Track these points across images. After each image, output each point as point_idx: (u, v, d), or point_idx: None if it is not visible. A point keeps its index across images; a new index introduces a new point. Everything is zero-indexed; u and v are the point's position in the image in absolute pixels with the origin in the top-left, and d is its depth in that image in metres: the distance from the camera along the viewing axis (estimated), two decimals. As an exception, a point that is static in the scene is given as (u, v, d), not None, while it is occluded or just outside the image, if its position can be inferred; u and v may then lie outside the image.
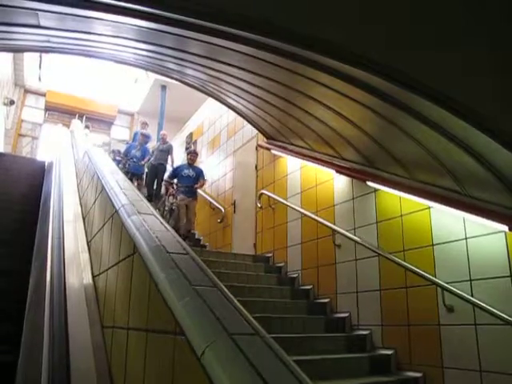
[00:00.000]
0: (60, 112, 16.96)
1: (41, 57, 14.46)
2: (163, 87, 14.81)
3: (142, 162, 9.89)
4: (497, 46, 2.09)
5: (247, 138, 8.03)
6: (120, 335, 2.07)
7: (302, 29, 2.64)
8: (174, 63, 5.34)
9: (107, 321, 2.42)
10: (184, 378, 1.25)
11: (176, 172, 8.30)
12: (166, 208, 8.78)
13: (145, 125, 11.19)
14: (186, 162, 8.50)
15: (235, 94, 6.12)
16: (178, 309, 1.34)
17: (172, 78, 6.53)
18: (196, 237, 8.77)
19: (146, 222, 2.25)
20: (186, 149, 10.96)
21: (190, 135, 11.10)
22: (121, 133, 17.74)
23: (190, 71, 5.63)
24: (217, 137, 9.41)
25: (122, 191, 2.90)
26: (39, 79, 15.83)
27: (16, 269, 4.23)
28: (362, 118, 4.15)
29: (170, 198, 8.66)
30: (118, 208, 2.61)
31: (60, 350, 2.18)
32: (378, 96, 3.30)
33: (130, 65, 6.30)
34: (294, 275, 5.75)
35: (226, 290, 1.55)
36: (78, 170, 6.16)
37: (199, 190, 8.28)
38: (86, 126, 12.08)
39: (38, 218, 6.13)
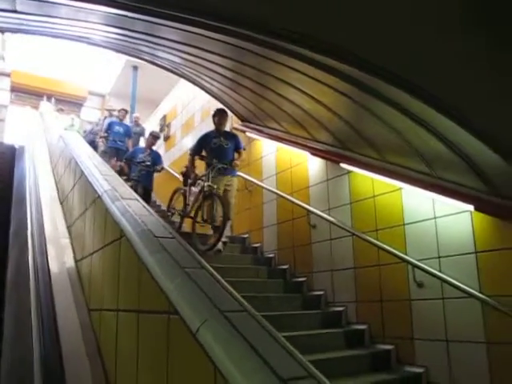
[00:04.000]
0: (27, 93, 16.47)
1: (3, 35, 13.96)
2: (135, 68, 14.56)
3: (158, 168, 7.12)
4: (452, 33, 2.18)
5: (222, 120, 8.03)
6: (109, 317, 2.14)
7: (273, 20, 2.69)
8: (146, 46, 5.30)
9: (94, 304, 2.49)
10: (179, 353, 1.34)
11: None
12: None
13: (124, 112, 9.34)
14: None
15: (209, 77, 6.13)
16: (171, 290, 1.43)
17: (144, 59, 6.47)
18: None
19: (130, 207, 2.31)
20: (161, 131, 10.88)
21: (164, 118, 11.01)
22: (91, 114, 17.39)
23: (162, 54, 5.60)
24: (191, 119, 9.38)
25: (103, 177, 2.94)
26: (3, 59, 15.30)
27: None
28: (335, 102, 4.24)
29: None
30: (100, 193, 2.66)
31: (50, 332, 2.25)
32: (351, 82, 3.39)
33: (101, 46, 6.21)
34: (271, 255, 5.88)
35: (213, 270, 1.65)
36: (52, 155, 6.11)
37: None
38: (60, 109, 11.82)
39: (11, 203, 6.08)
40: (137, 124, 10.08)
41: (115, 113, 9.94)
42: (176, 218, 6.11)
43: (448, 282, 3.55)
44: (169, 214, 6.17)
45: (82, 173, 3.38)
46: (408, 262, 3.91)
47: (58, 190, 4.67)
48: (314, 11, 2.35)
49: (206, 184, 4.99)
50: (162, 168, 7.22)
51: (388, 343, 4.03)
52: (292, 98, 4.87)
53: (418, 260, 3.83)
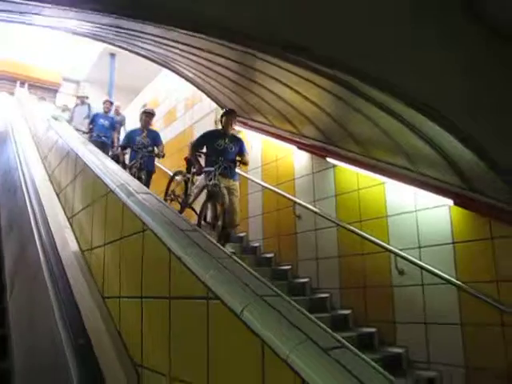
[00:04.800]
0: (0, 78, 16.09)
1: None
2: (112, 55, 14.44)
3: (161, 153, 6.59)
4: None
5: (206, 111, 8.20)
6: (130, 303, 2.33)
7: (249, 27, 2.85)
8: (125, 38, 5.31)
9: (109, 291, 2.67)
10: (221, 332, 1.56)
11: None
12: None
13: (109, 104, 9.08)
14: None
15: (193, 69, 6.24)
16: (209, 278, 1.64)
17: (122, 48, 6.44)
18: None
19: (146, 202, 2.49)
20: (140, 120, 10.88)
21: (144, 107, 11.03)
22: (66, 101, 17.12)
23: (142, 44, 5.63)
24: (173, 109, 9.48)
25: (113, 171, 3.09)
26: (-28, 43, 14.89)
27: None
28: (321, 98, 4.46)
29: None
30: (113, 188, 2.81)
31: (74, 315, 2.44)
32: (335, 81, 3.62)
33: (76, 34, 6.06)
34: (256, 244, 6.12)
35: (239, 260, 1.87)
36: (39, 144, 6.12)
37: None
38: (42, 98, 11.74)
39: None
40: (117, 113, 10.09)
41: (87, 100, 10.04)
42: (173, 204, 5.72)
43: (427, 270, 3.88)
44: (167, 198, 5.83)
45: (86, 165, 3.51)
46: (390, 251, 4.23)
47: (51, 181, 4.75)
48: (310, 27, 2.53)
49: (211, 182, 4.76)
50: (163, 152, 6.59)
51: (371, 326, 4.35)
52: (278, 91, 5.06)
53: (400, 249, 4.15)
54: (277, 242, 5.83)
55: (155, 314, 2.07)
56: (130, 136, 6.62)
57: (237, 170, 5.39)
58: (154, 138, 6.61)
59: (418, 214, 4.12)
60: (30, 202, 4.16)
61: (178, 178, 6.00)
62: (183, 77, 7.13)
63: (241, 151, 5.27)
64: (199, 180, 5.31)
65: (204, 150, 5.21)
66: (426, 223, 4.06)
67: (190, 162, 5.47)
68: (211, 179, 4.78)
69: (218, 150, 5.05)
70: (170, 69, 6.98)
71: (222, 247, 1.99)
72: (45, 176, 4.97)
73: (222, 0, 2.32)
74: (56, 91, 16.88)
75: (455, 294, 3.73)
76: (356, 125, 4.33)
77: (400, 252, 4.12)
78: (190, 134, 8.61)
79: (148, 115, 6.67)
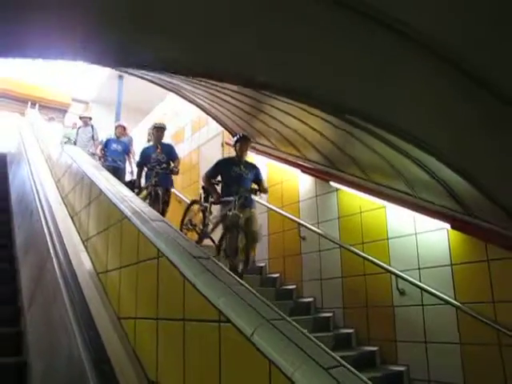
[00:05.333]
0: (11, 99, 16.50)
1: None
2: (120, 77, 14.79)
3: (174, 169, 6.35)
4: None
5: (213, 133, 8.44)
6: (146, 324, 2.51)
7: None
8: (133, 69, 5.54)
9: (125, 312, 2.84)
10: (232, 351, 1.74)
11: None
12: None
13: (121, 129, 8.87)
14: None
15: (201, 96, 6.51)
16: (221, 303, 1.82)
17: (128, 73, 6.62)
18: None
19: (161, 229, 2.69)
20: (148, 141, 11.14)
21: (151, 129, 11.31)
22: (76, 120, 17.49)
23: (149, 72, 5.85)
24: (181, 131, 9.74)
25: (128, 198, 3.29)
26: (-16, 64, 15.30)
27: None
28: (321, 126, 4.68)
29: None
30: (128, 215, 3.01)
31: (94, 340, 2.61)
32: (333, 114, 3.83)
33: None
34: (262, 264, 6.28)
35: (248, 286, 2.05)
36: (52, 167, 6.35)
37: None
38: (51, 118, 11.99)
39: (11, 215, 6.32)
40: (124, 134, 10.32)
41: (90, 122, 9.93)
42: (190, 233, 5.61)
43: (427, 291, 4.02)
44: (184, 228, 5.71)
45: (101, 192, 3.71)
46: (391, 273, 4.37)
47: (65, 204, 4.95)
48: (310, 74, 2.73)
49: (231, 213, 4.65)
50: (178, 168, 6.35)
51: (373, 345, 4.49)
52: (281, 119, 5.32)
53: (401, 271, 4.30)
54: (282, 263, 5.99)
55: (170, 334, 2.24)
56: (145, 153, 6.46)
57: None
58: (169, 153, 6.43)
59: (418, 236, 4.29)
60: (47, 224, 4.36)
61: (193, 208, 5.87)
62: (190, 101, 7.39)
63: (257, 178, 5.19)
64: (216, 210, 5.19)
65: (219, 178, 5.17)
66: (425, 246, 4.23)
67: (207, 191, 5.35)
68: (230, 209, 4.69)
69: (233, 178, 4.97)
70: (177, 94, 7.24)
71: (234, 276, 2.17)
72: (58, 199, 5.18)
73: (235, 54, 2.51)
74: (65, 111, 17.27)
75: (454, 314, 3.87)
76: (357, 151, 4.53)
77: (400, 273, 4.28)
78: (197, 156, 8.86)
79: (159, 130, 6.53)
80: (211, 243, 5.21)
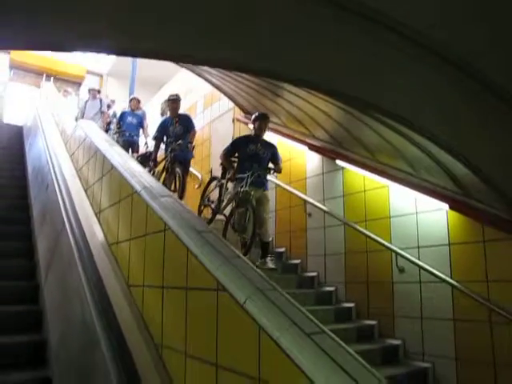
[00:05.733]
0: (26, 71, 16.70)
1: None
2: (135, 50, 14.78)
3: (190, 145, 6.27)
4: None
5: (224, 109, 8.54)
6: (153, 292, 2.71)
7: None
8: None
9: (134, 280, 3.04)
10: (227, 317, 1.92)
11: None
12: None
13: (136, 102, 8.91)
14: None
15: (215, 74, 6.62)
16: (219, 273, 1.99)
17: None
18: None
19: (168, 204, 2.86)
20: (162, 115, 11.26)
21: (165, 102, 11.42)
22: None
23: None
24: (193, 106, 9.83)
25: (138, 173, 3.46)
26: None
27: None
28: (330, 110, 4.77)
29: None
30: (138, 190, 3.18)
31: (105, 305, 2.83)
32: (343, 100, 3.91)
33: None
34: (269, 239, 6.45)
35: (245, 259, 2.21)
36: (67, 142, 6.54)
37: None
38: (66, 91, 12.12)
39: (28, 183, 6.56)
40: (138, 107, 10.43)
41: (99, 95, 9.83)
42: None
43: (425, 269, 4.17)
44: (202, 203, 5.86)
45: (113, 167, 3.89)
46: (392, 250, 4.51)
47: (79, 177, 5.15)
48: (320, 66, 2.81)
49: (242, 190, 4.75)
50: (193, 143, 6.28)
51: (372, 319, 4.67)
52: (290, 99, 5.40)
53: (401, 249, 4.44)
54: (288, 238, 6.16)
55: (174, 301, 2.44)
56: (163, 126, 6.37)
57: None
58: (186, 124, 6.26)
59: (418, 216, 4.41)
60: (62, 196, 4.57)
61: (212, 184, 5.94)
62: (204, 79, 7.49)
63: (274, 157, 5.18)
64: (231, 187, 5.26)
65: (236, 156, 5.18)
66: (425, 225, 4.35)
67: (225, 168, 5.39)
68: (242, 186, 4.77)
69: (249, 156, 4.99)
70: (191, 70, 7.34)
71: (233, 249, 2.33)
72: (73, 172, 5.38)
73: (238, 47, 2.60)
74: (80, 84, 17.42)
75: (449, 291, 4.02)
76: (362, 133, 4.62)
77: (401, 251, 4.42)
78: (208, 131, 8.98)
79: (174, 101, 6.28)
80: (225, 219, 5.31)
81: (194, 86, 9.77)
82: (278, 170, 5.13)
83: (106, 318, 2.73)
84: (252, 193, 4.72)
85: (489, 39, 1.90)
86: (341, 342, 1.63)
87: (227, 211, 5.27)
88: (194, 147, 6.38)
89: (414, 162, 4.24)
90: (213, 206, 5.66)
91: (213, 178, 6.01)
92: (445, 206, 4.10)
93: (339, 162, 5.40)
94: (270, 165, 5.18)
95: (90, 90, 9.93)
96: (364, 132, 4.47)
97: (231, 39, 2.34)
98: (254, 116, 5.32)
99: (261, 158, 5.04)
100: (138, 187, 3.23)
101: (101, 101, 9.80)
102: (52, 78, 15.89)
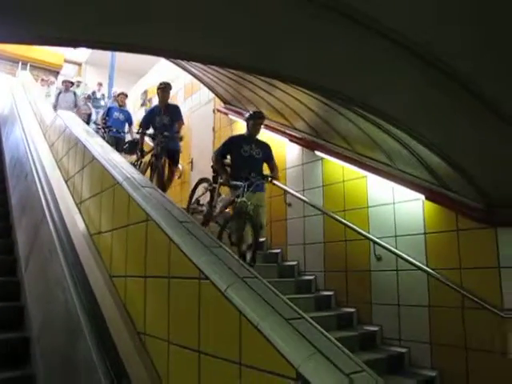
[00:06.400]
0: (1, 59, 16.28)
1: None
2: (114, 38, 14.58)
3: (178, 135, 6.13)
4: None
5: (204, 100, 8.53)
6: (135, 282, 2.74)
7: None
8: None
9: (116, 271, 3.07)
10: (209, 304, 1.98)
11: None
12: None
13: (123, 96, 8.71)
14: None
15: (194, 64, 6.62)
16: (201, 263, 2.05)
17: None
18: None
19: (151, 195, 2.89)
20: (142, 105, 11.21)
21: (145, 92, 11.35)
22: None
23: None
24: (173, 96, 9.75)
25: (120, 164, 3.47)
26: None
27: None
28: (309, 102, 4.84)
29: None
30: (120, 181, 3.20)
31: (88, 295, 2.86)
32: (327, 95, 3.97)
33: None
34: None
35: (227, 248, 2.27)
36: (46, 131, 6.46)
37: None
38: (42, 79, 11.92)
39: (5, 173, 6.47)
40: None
41: (73, 88, 9.43)
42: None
43: (402, 257, 4.29)
44: (190, 207, 5.50)
45: (94, 158, 3.88)
46: (370, 239, 4.62)
47: (59, 168, 5.11)
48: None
49: (239, 200, 4.41)
50: (181, 134, 6.10)
51: (351, 307, 4.79)
52: (268, 89, 5.43)
53: (378, 238, 4.55)
54: (268, 228, 6.21)
55: (157, 290, 2.48)
56: (150, 114, 6.16)
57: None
58: (173, 114, 6.05)
59: (396, 206, 4.52)
60: (42, 186, 4.55)
61: (200, 187, 5.60)
62: (183, 69, 7.48)
63: (268, 158, 4.94)
64: (224, 192, 5.01)
65: (228, 157, 4.89)
66: (402, 215, 4.46)
67: (217, 170, 5.04)
68: (239, 195, 4.44)
69: (243, 158, 4.71)
70: (170, 61, 7.31)
71: (215, 239, 2.39)
72: (53, 162, 5.33)
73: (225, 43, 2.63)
74: (58, 73, 17.07)
75: (425, 279, 4.15)
76: (341, 124, 4.69)
77: (378, 240, 4.52)
78: (188, 122, 8.95)
79: (164, 89, 6.03)
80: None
81: (174, 75, 9.71)
82: (275, 177, 4.88)
83: (88, 308, 2.76)
84: (249, 202, 4.37)
85: (469, 43, 1.99)
86: (318, 327, 1.71)
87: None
88: (182, 138, 6.18)
89: (391, 154, 4.34)
90: (204, 210, 5.22)
91: (201, 180, 5.64)
92: (421, 197, 4.22)
93: (318, 153, 5.47)
94: (266, 171, 4.92)
95: (63, 82, 9.58)
96: (343, 124, 4.55)
97: (224, 36, 2.38)
98: (247, 114, 5.06)
99: (256, 160, 4.79)
100: (119, 178, 3.25)
101: (75, 94, 9.43)
102: (28, 66, 15.56)
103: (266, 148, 4.98)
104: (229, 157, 4.92)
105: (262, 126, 5.12)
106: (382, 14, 1.85)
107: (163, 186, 5.78)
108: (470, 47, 1.99)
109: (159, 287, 2.44)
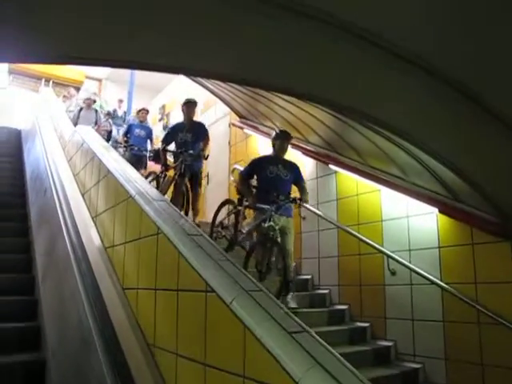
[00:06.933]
0: (25, 76, 16.77)
1: None
2: (133, 55, 14.87)
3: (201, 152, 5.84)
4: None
5: (220, 114, 8.63)
6: (146, 294, 2.78)
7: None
8: None
9: (128, 283, 3.12)
10: (215, 317, 1.99)
11: (174, 131, 5.94)
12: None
13: (145, 112, 8.71)
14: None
15: (211, 80, 6.72)
16: (208, 276, 2.07)
17: None
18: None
19: (162, 208, 2.94)
20: (160, 120, 11.38)
21: (163, 107, 11.54)
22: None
23: None
24: (191, 111, 9.90)
25: (133, 179, 3.54)
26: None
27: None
28: (322, 116, 4.86)
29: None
30: (133, 195, 3.26)
31: (100, 307, 2.90)
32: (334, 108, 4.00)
33: None
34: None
35: (233, 260, 2.29)
36: (64, 146, 6.61)
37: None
38: (64, 96, 12.20)
39: (26, 188, 6.62)
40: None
41: (94, 105, 9.38)
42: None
43: (416, 271, 4.24)
44: (214, 231, 5.21)
45: (109, 172, 3.97)
46: (384, 253, 4.59)
47: (76, 182, 5.23)
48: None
49: (267, 224, 4.19)
50: (205, 152, 5.80)
51: (365, 321, 4.75)
52: (283, 105, 5.49)
53: (392, 251, 4.52)
54: (283, 241, 6.22)
55: (166, 302, 2.51)
56: (173, 132, 5.94)
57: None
58: (197, 131, 5.83)
59: (409, 219, 4.49)
60: (59, 201, 4.65)
61: (224, 209, 5.48)
62: (200, 84, 7.60)
63: (296, 179, 4.72)
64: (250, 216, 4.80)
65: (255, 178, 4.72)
66: (416, 228, 4.43)
67: (242, 192, 4.83)
68: (265, 220, 4.23)
69: (270, 179, 4.50)
70: (187, 76, 7.45)
71: (222, 251, 2.41)
72: (71, 176, 5.45)
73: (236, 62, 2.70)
74: (78, 89, 17.46)
75: (439, 293, 4.09)
76: (354, 139, 4.70)
77: (392, 254, 4.49)
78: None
79: (190, 105, 5.89)
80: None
81: (192, 91, 9.86)
82: (304, 200, 4.59)
83: (100, 320, 2.80)
84: (277, 228, 4.17)
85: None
86: (321, 340, 1.71)
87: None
88: (207, 156, 5.94)
89: (404, 168, 4.33)
90: (228, 234, 5.04)
91: (226, 201, 5.51)
92: (435, 210, 4.19)
93: (333, 167, 5.48)
94: (294, 193, 4.71)
95: (85, 100, 9.55)
96: (357, 138, 4.56)
97: (219, 51, 2.43)
98: (274, 134, 4.88)
99: (283, 181, 4.57)
100: (132, 192, 3.31)
101: (96, 112, 9.38)
102: (51, 83, 15.97)
103: (294, 168, 4.78)
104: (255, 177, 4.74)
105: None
106: (384, 28, 1.88)
107: (187, 206, 5.65)
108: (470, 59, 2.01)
109: (169, 299, 2.47)
